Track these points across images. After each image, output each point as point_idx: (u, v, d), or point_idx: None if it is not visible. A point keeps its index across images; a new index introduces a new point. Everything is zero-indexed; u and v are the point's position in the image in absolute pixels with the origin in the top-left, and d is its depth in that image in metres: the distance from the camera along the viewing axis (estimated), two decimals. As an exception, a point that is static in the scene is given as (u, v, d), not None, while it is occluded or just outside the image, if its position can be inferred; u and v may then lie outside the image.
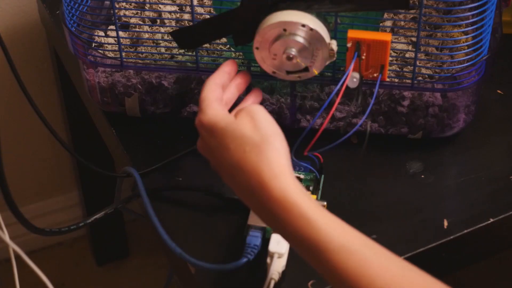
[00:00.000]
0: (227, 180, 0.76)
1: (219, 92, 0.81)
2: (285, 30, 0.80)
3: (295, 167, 0.92)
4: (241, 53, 0.95)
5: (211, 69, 0.93)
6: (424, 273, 0.68)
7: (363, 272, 0.67)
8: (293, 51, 0.81)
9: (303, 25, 0.80)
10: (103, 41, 0.98)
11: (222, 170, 0.77)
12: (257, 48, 0.82)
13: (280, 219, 0.70)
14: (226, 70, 0.84)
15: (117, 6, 0.95)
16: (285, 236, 0.72)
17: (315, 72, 0.84)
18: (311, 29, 0.80)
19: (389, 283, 0.66)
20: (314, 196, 0.87)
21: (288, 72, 0.84)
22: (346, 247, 0.68)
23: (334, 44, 0.81)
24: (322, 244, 0.68)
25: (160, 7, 0.99)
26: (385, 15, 0.98)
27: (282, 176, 0.71)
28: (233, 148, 0.74)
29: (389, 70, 0.90)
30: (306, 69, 0.84)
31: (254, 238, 0.83)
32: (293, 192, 0.70)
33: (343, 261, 0.67)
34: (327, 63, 0.83)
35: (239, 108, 0.80)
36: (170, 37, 0.87)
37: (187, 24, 0.99)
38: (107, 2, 1.00)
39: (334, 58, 0.82)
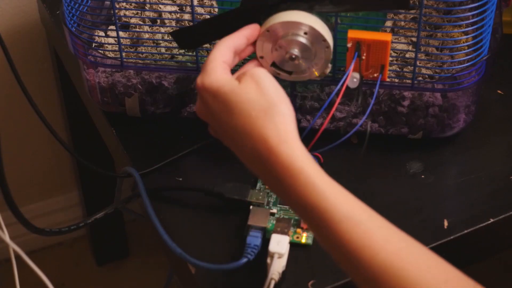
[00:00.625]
0: (230, 145, 0.75)
1: (229, 57, 0.78)
2: (292, 30, 0.80)
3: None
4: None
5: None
6: (427, 249, 0.67)
7: (367, 244, 0.66)
8: (296, 51, 0.81)
9: (312, 28, 0.80)
10: (103, 41, 0.98)
11: (224, 135, 0.75)
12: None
13: (286, 186, 0.69)
14: (245, 34, 0.80)
15: (117, 6, 0.95)
16: (290, 204, 0.71)
17: (316, 73, 0.84)
18: (318, 33, 0.80)
19: (392, 257, 0.65)
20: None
21: (280, 68, 0.84)
22: (351, 218, 0.67)
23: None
24: (327, 213, 0.67)
25: (160, 7, 0.99)
26: (386, 15, 0.98)
27: (290, 142, 0.70)
28: (238, 113, 0.72)
29: (389, 70, 0.90)
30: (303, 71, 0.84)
31: (254, 238, 0.83)
32: (300, 158, 0.69)
33: (348, 232, 0.66)
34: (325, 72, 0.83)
35: (241, 72, 0.78)
36: (170, 37, 0.87)
37: (187, 24, 0.99)
38: (107, 2, 1.00)
39: (327, 74, 0.82)
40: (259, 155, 0.71)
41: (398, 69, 0.94)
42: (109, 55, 0.95)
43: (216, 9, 0.98)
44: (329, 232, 0.67)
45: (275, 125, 0.71)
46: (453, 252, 0.88)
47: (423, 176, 0.93)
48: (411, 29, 0.96)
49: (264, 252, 0.82)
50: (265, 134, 0.71)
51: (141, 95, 0.96)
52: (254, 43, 0.82)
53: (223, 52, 0.77)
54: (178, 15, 1.00)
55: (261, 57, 0.83)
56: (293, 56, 0.81)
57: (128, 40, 0.98)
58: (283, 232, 0.83)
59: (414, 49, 0.92)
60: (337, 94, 0.82)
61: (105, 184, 1.44)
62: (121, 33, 0.96)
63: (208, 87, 0.74)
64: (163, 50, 0.97)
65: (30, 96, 0.88)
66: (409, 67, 0.93)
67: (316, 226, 0.69)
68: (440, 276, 0.66)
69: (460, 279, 0.66)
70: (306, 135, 0.81)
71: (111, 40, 0.97)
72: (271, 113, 0.72)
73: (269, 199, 0.89)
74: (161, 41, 0.97)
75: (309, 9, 0.81)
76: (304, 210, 0.69)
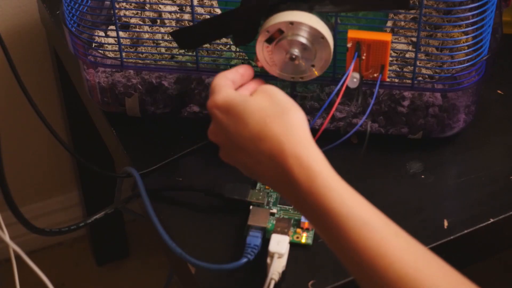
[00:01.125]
0: (243, 161, 0.74)
1: (231, 84, 0.78)
2: (292, 30, 0.80)
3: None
4: (241, 53, 0.95)
5: (211, 69, 0.93)
6: (441, 260, 0.67)
7: (382, 253, 0.65)
8: (296, 52, 0.81)
9: (312, 28, 0.80)
10: (103, 41, 0.98)
11: (237, 151, 0.74)
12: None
13: (302, 189, 0.69)
14: (240, 71, 0.82)
15: (117, 6, 0.95)
16: (303, 209, 0.70)
17: (316, 73, 0.84)
18: (319, 33, 0.80)
19: (408, 267, 0.65)
20: (314, 196, 0.87)
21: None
22: (368, 225, 0.67)
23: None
24: (344, 218, 0.67)
25: (160, 7, 0.99)
26: (385, 15, 0.98)
27: (307, 145, 0.71)
28: (252, 122, 0.72)
29: (389, 70, 0.90)
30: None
31: (254, 238, 0.83)
32: (318, 162, 0.70)
33: (363, 239, 0.66)
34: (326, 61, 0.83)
35: (249, 90, 0.79)
36: (170, 37, 0.87)
37: (187, 24, 0.99)
38: (107, 2, 1.00)
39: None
40: (275, 159, 0.70)
41: (398, 69, 0.94)
42: (109, 55, 0.95)
43: (217, 9, 0.98)
44: (344, 238, 0.67)
45: (291, 129, 0.71)
46: (453, 252, 0.88)
47: (423, 176, 0.93)
48: (411, 29, 0.96)
49: (264, 252, 0.82)
50: (281, 138, 0.71)
51: (141, 95, 0.96)
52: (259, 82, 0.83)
53: (224, 80, 0.78)
54: (178, 15, 1.00)
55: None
56: (293, 56, 0.81)
57: (128, 40, 0.98)
58: (283, 232, 0.83)
59: (414, 49, 0.92)
60: (337, 94, 0.82)
61: (105, 184, 1.44)
62: (121, 33, 0.96)
63: (221, 103, 0.75)
64: (163, 50, 0.97)
65: (30, 96, 0.88)
66: (409, 67, 0.93)
67: (329, 231, 0.68)
68: (455, 287, 0.65)
69: None
70: (306, 135, 0.81)
71: (111, 40, 0.97)
72: (285, 118, 0.72)
73: (269, 199, 0.89)
74: (161, 41, 0.97)
75: (309, 9, 0.81)
76: (318, 215, 0.68)
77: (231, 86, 0.78)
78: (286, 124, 0.72)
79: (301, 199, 0.70)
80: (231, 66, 0.93)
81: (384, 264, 0.65)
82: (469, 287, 0.66)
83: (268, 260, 0.80)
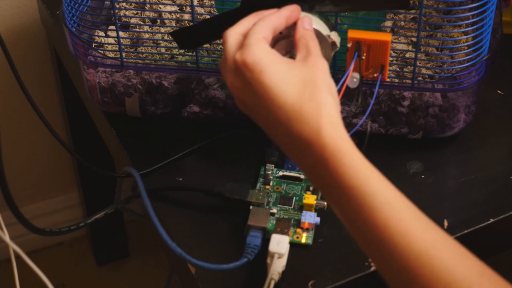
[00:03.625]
0: (264, 122, 0.73)
1: (268, 35, 0.75)
2: (292, 30, 0.80)
3: (295, 167, 0.92)
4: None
5: (211, 69, 0.93)
6: (461, 245, 0.67)
7: (404, 232, 0.65)
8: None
9: (315, 30, 0.79)
10: (103, 41, 0.98)
11: (260, 115, 0.73)
12: None
13: (328, 166, 0.68)
14: (285, 15, 0.78)
15: (117, 6, 0.95)
16: (326, 185, 0.69)
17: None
18: (319, 33, 0.80)
19: (428, 246, 0.65)
20: (315, 197, 0.87)
21: None
22: (390, 205, 0.66)
23: (334, 35, 0.80)
24: (367, 197, 0.67)
25: (160, 7, 0.99)
26: (385, 15, 0.98)
27: (336, 124, 0.70)
28: (284, 100, 0.70)
29: (389, 70, 0.90)
30: None
31: (254, 238, 0.83)
32: (346, 141, 0.69)
33: (386, 217, 0.66)
34: (332, 54, 0.82)
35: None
36: (170, 37, 0.87)
37: (187, 24, 0.99)
38: (107, 2, 1.00)
39: (337, 48, 0.81)
40: (304, 136, 0.69)
41: (398, 69, 0.94)
42: (109, 55, 0.95)
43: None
44: (366, 217, 0.66)
45: (323, 111, 0.70)
46: (453, 252, 0.88)
47: (423, 176, 0.93)
48: (411, 29, 0.96)
49: (264, 252, 0.82)
50: (314, 123, 0.69)
51: (141, 95, 0.96)
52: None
53: (264, 29, 0.75)
54: (178, 15, 1.00)
55: None
56: (293, 56, 0.81)
57: (128, 40, 0.98)
58: (283, 232, 0.83)
59: (414, 49, 0.92)
60: (337, 94, 0.82)
61: (105, 184, 1.44)
62: (121, 33, 0.96)
63: (250, 63, 0.71)
64: (163, 50, 0.97)
65: (30, 96, 0.88)
66: (409, 67, 0.93)
67: (351, 210, 0.67)
68: (475, 269, 0.66)
69: (493, 275, 0.66)
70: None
71: (111, 40, 0.97)
72: (318, 98, 0.71)
73: (269, 199, 0.89)
74: (161, 41, 0.97)
75: (309, 9, 0.81)
76: (342, 192, 0.68)
77: (267, 40, 0.74)
78: (318, 104, 0.70)
79: (323, 175, 0.69)
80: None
81: (404, 242, 0.65)
82: (490, 271, 0.66)
83: (268, 260, 0.80)
